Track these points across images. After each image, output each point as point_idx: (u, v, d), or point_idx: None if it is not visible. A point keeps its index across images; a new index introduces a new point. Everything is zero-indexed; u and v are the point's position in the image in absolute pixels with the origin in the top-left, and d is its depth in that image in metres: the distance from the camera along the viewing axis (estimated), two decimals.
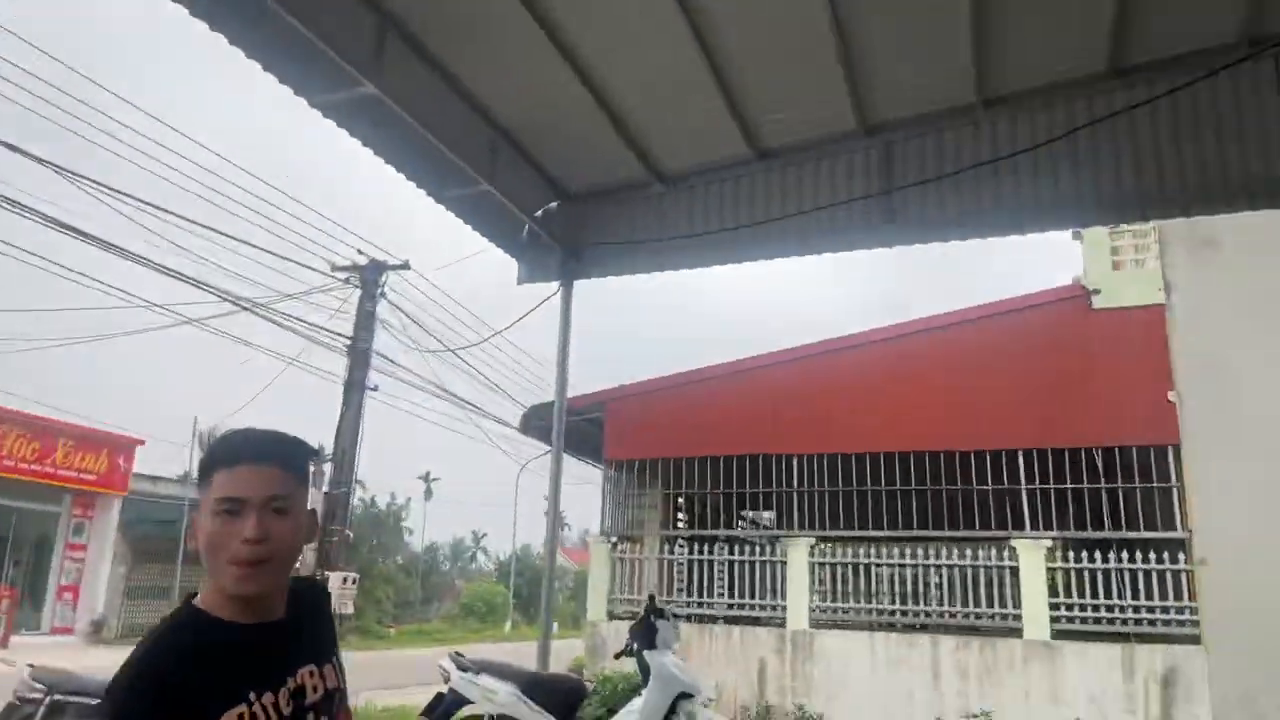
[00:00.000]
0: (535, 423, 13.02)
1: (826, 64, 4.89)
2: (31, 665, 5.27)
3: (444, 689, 4.90)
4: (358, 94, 4.60)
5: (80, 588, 22.36)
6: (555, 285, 6.88)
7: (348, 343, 13.80)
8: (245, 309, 13.00)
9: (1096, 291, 9.88)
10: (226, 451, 1.51)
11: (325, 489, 13.40)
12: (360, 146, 5.14)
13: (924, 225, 5.84)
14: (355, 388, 13.57)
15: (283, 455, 1.54)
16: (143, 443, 23.76)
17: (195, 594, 1.54)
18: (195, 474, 1.64)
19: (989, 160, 5.34)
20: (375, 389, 14.13)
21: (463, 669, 5.07)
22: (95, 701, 4.90)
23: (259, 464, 1.49)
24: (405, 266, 14.58)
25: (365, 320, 13.91)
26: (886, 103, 5.42)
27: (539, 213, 6.44)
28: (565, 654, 12.74)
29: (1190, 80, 4.60)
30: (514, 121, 5.67)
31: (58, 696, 4.95)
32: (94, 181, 10.46)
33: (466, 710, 4.83)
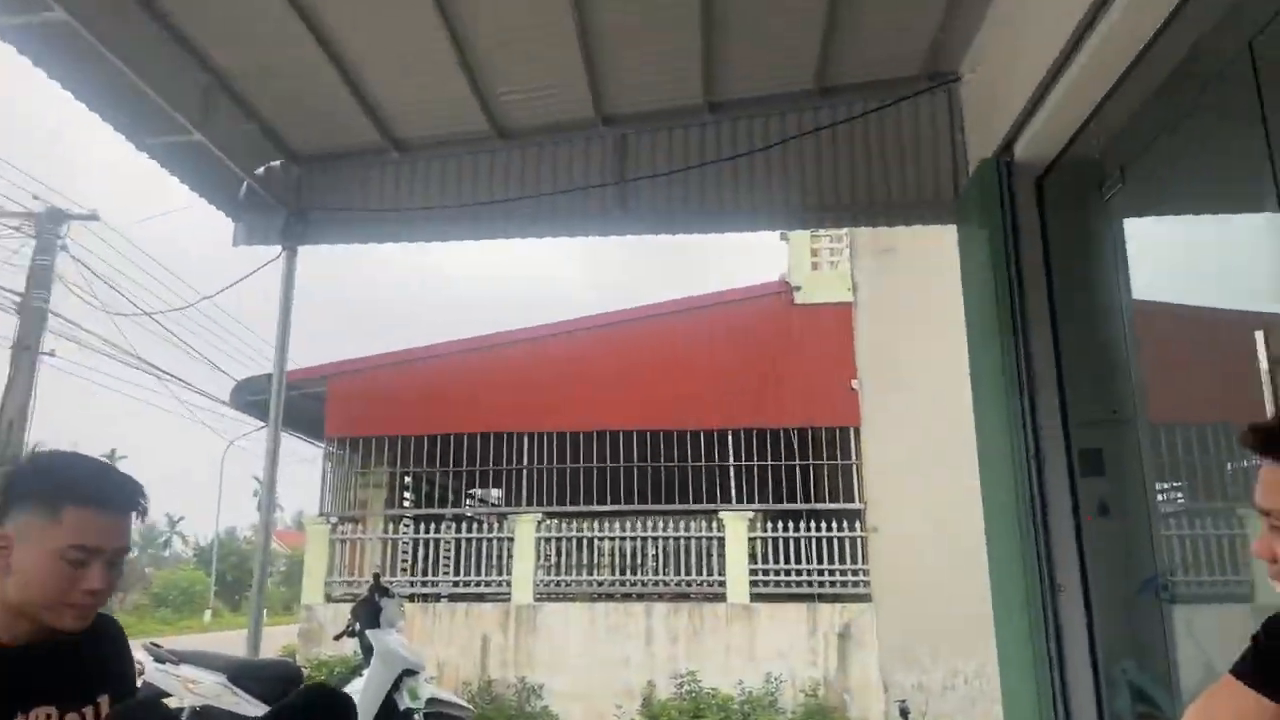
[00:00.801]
0: (247, 396, 12.15)
1: (568, 49, 5.01)
2: None
3: (138, 683, 4.49)
4: (45, 18, 4.05)
5: None
6: (277, 250, 6.46)
7: (17, 299, 12.02)
8: None
9: (798, 288, 10.92)
10: (86, 489, 1.43)
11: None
12: (48, 79, 4.53)
13: (654, 217, 6.15)
14: (26, 351, 11.88)
15: (137, 504, 1.48)
16: None
17: None
18: (14, 480, 1.44)
19: (712, 161, 5.74)
20: (52, 354, 12.45)
21: (159, 660, 4.68)
22: None
23: (118, 513, 1.45)
24: (93, 217, 12.93)
25: (41, 275, 12.19)
26: (622, 94, 5.63)
27: (260, 170, 6.02)
28: (276, 641, 12.06)
29: (880, 105, 5.23)
30: (234, 68, 5.24)
31: None
32: None
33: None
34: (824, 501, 10.41)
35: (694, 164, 5.82)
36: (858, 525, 9.84)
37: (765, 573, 9.96)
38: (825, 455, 10.64)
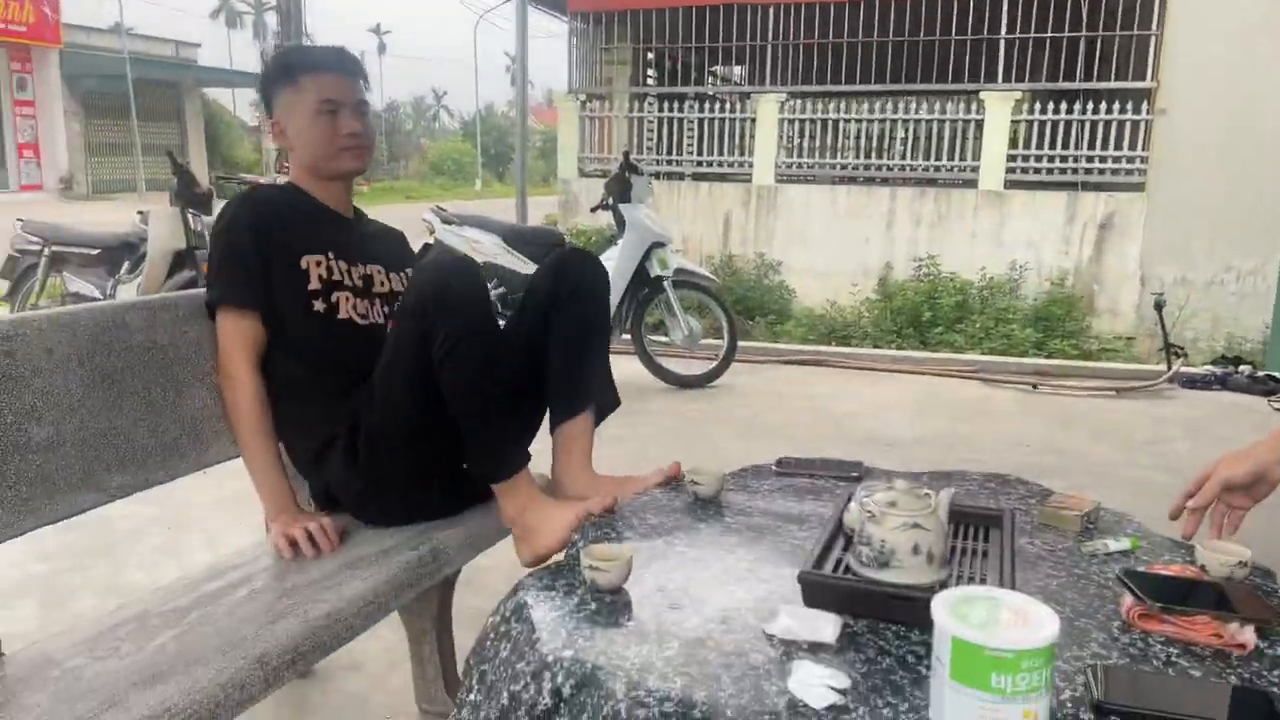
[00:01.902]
0: None
1: None
2: (21, 220, 5.41)
3: (429, 239, 5.16)
4: None
5: (39, 145, 22.02)
6: None
7: None
8: None
9: None
10: (314, 59, 1.75)
11: (273, 43, 12.64)
12: None
13: None
14: None
15: (359, 69, 1.80)
16: None
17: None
18: (264, 80, 1.81)
19: None
20: None
21: (446, 222, 5.29)
22: (94, 252, 5.14)
23: (344, 74, 1.76)
24: None
25: None
26: None
27: None
28: (537, 211, 13.20)
29: None
30: None
31: (56, 247, 5.17)
32: None
33: None
34: (1107, 80, 9.23)
35: None
36: (1144, 107, 8.75)
37: (1025, 159, 9.31)
38: (1119, 26, 9.21)
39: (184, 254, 4.78)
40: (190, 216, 4.78)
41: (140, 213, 5.14)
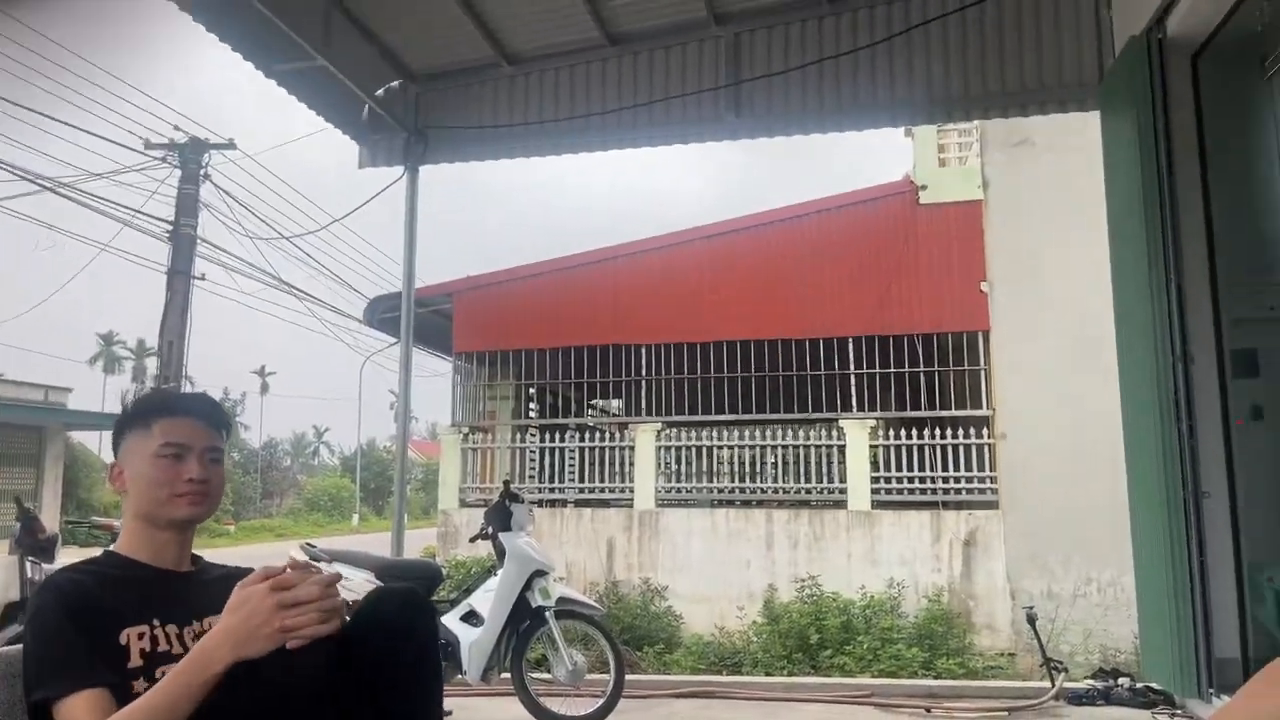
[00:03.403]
0: (380, 314, 12.69)
1: None
2: None
3: None
4: None
5: None
6: (400, 170, 6.64)
7: (169, 228, 12.83)
8: (47, 189, 11.80)
9: (924, 187, 10.46)
10: (168, 403, 1.74)
11: (153, 384, 12.64)
12: (178, 10, 4.72)
13: (769, 118, 5.98)
14: (180, 275, 12.72)
15: (217, 416, 1.75)
16: None
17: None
18: (117, 423, 1.76)
19: (831, 56, 5.49)
20: (203, 278, 13.31)
21: (315, 559, 5.07)
22: None
23: (198, 418, 1.71)
24: (230, 146, 13.55)
25: (187, 204, 12.93)
26: None
27: (380, 92, 6.15)
28: (416, 543, 12.86)
29: None
30: None
31: None
32: None
33: None
34: (949, 408, 10.18)
35: (811, 60, 5.60)
36: (985, 432, 9.59)
37: (888, 480, 9.88)
38: (951, 361, 10.35)
39: (16, 605, 4.35)
40: (29, 565, 4.42)
41: None
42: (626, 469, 10.81)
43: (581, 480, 10.84)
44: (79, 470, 27.64)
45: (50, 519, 5.00)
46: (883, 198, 10.76)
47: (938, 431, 9.74)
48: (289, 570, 1.44)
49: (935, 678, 6.51)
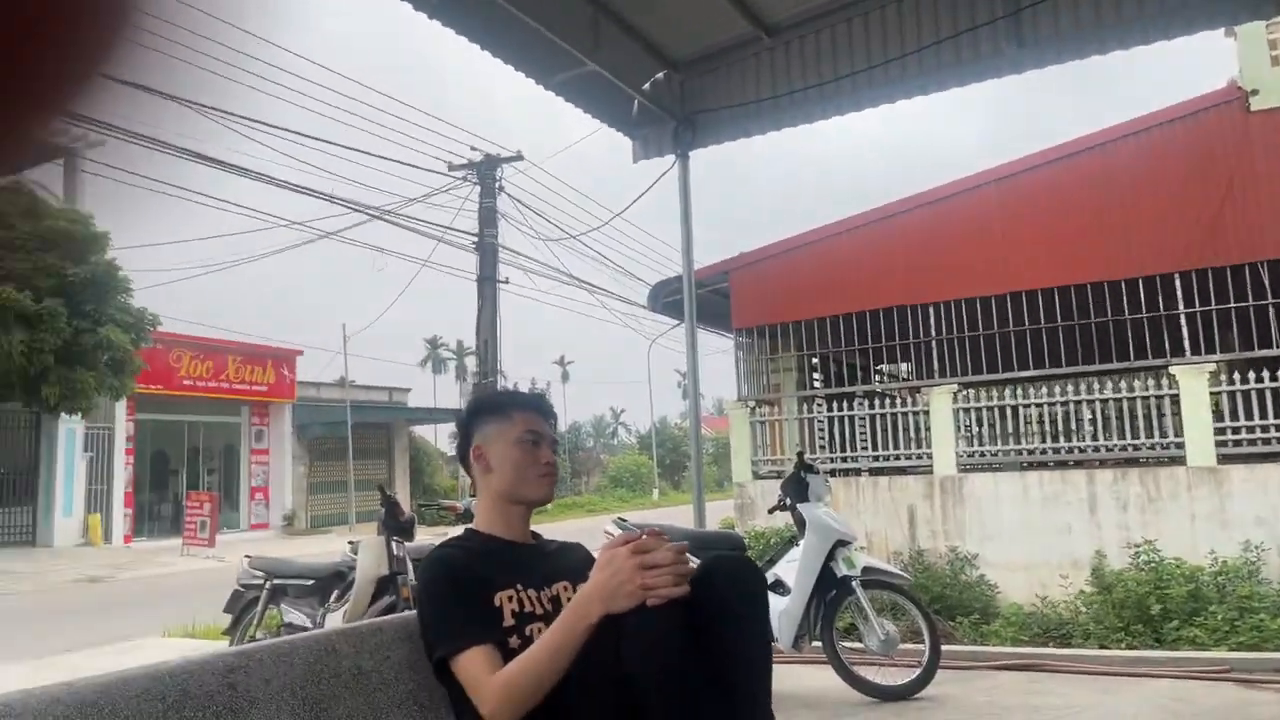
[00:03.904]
0: (663, 298, 13.17)
1: None
2: (249, 556, 5.96)
3: None
4: None
5: (269, 488, 24.65)
6: (671, 159, 6.84)
7: (474, 239, 14.19)
8: (375, 217, 13.51)
9: (1254, 92, 8.99)
10: (521, 398, 2.00)
11: (473, 380, 14.09)
12: (455, 37, 5.18)
13: (1057, 44, 5.45)
14: (487, 282, 14.04)
15: (552, 413, 2.03)
16: (301, 353, 25.51)
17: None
18: (471, 411, 2.03)
19: None
20: (506, 281, 14.59)
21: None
22: (309, 582, 5.52)
23: (544, 414, 1.97)
24: (518, 158, 14.71)
25: (487, 216, 14.22)
26: None
27: (647, 85, 6.36)
28: (713, 515, 13.26)
29: None
30: None
31: (276, 580, 5.61)
32: (217, 110, 10.88)
33: None
34: None
35: None
36: None
37: (1236, 430, 8.64)
38: None
39: (386, 580, 5.05)
40: (394, 544, 5.11)
41: (351, 543, 5.55)
42: (922, 434, 10.38)
43: (874, 448, 10.58)
44: (421, 460, 31.48)
45: (404, 503, 5.73)
46: (1203, 110, 9.39)
47: None
48: (645, 537, 1.59)
49: None
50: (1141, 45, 5.27)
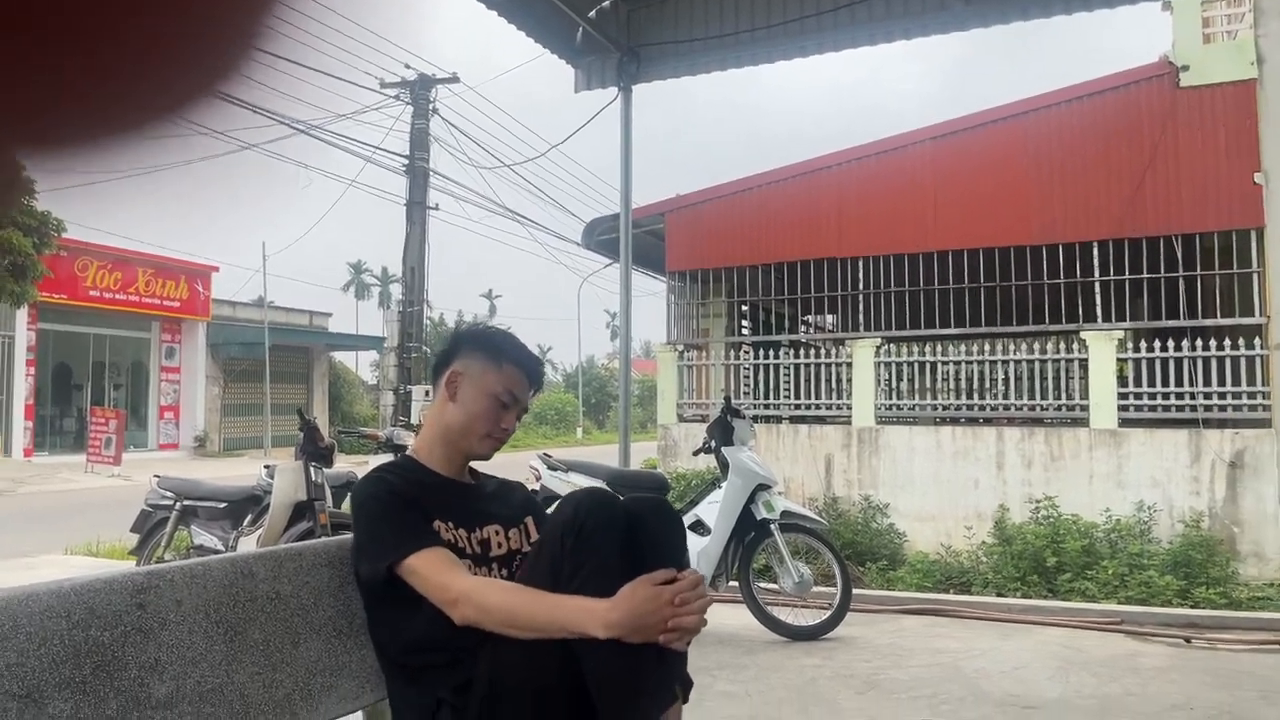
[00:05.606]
0: (596, 236, 13.05)
1: None
2: (158, 476, 5.76)
3: (535, 485, 5.24)
4: None
5: (180, 407, 23.90)
6: (614, 91, 6.70)
7: (405, 161, 13.76)
8: (300, 131, 12.95)
9: (1185, 68, 9.22)
10: (524, 357, 1.88)
11: (399, 308, 13.80)
12: None
13: (1001, 4, 5.48)
14: (417, 207, 13.67)
15: (541, 380, 1.96)
16: (217, 269, 24.58)
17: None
18: (469, 335, 1.95)
19: None
20: (436, 208, 14.24)
21: (552, 468, 5.41)
22: (222, 505, 5.38)
23: (532, 383, 1.88)
24: (454, 80, 14.24)
25: (419, 138, 13.78)
26: None
27: (593, 13, 6.18)
28: (636, 456, 13.39)
29: None
30: None
31: (186, 501, 5.45)
32: None
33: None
34: (1213, 317, 9.12)
35: None
36: (1256, 343, 8.53)
37: (1138, 396, 9.06)
38: (1217, 265, 9.22)
39: (304, 505, 4.95)
40: (313, 469, 5.00)
41: (267, 466, 5.42)
42: (843, 385, 10.60)
43: (797, 396, 10.77)
44: (341, 386, 30.89)
45: (323, 430, 5.59)
46: (1134, 83, 9.61)
47: (1198, 342, 8.78)
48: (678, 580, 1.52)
49: (1193, 607, 6.02)
50: (1083, 11, 5.33)
